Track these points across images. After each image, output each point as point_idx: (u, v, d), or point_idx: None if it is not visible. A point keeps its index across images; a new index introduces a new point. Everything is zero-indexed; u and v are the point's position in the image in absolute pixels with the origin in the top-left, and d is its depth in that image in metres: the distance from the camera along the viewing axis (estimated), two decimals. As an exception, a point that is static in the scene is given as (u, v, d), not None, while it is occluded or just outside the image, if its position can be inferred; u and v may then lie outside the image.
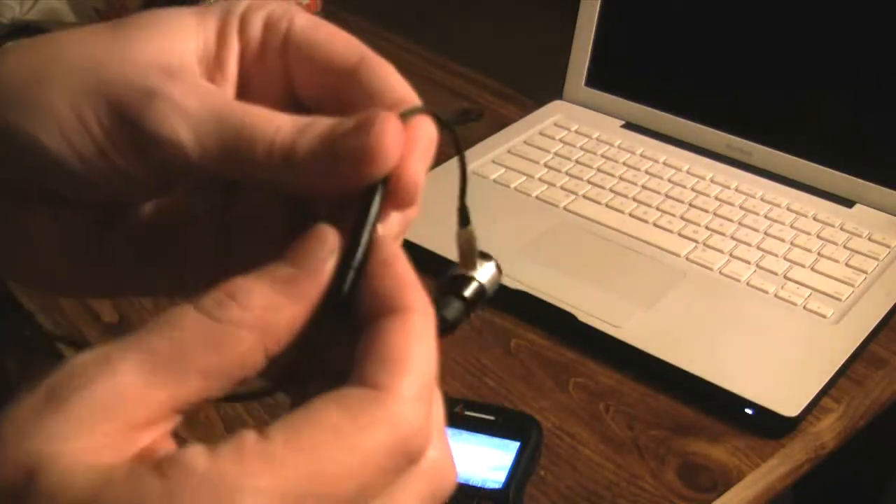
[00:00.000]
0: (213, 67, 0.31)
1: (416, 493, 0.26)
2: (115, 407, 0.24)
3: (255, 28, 0.31)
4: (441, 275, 0.32)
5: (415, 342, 0.25)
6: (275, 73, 0.32)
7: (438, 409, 0.27)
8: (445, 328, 0.28)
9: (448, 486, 0.27)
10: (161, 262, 0.33)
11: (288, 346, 0.26)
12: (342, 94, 0.31)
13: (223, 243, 0.33)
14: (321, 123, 0.28)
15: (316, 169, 0.28)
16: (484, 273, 0.32)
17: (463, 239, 0.31)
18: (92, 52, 0.29)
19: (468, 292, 0.31)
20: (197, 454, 0.23)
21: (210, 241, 0.33)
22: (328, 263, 0.26)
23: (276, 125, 0.28)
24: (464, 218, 0.31)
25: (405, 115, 0.28)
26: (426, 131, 0.29)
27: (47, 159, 0.29)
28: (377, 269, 0.27)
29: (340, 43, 0.31)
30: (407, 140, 0.27)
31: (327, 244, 0.27)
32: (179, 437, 0.25)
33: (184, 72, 0.29)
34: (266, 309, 0.25)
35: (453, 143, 0.31)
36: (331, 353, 0.27)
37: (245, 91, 0.32)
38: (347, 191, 0.28)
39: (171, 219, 0.33)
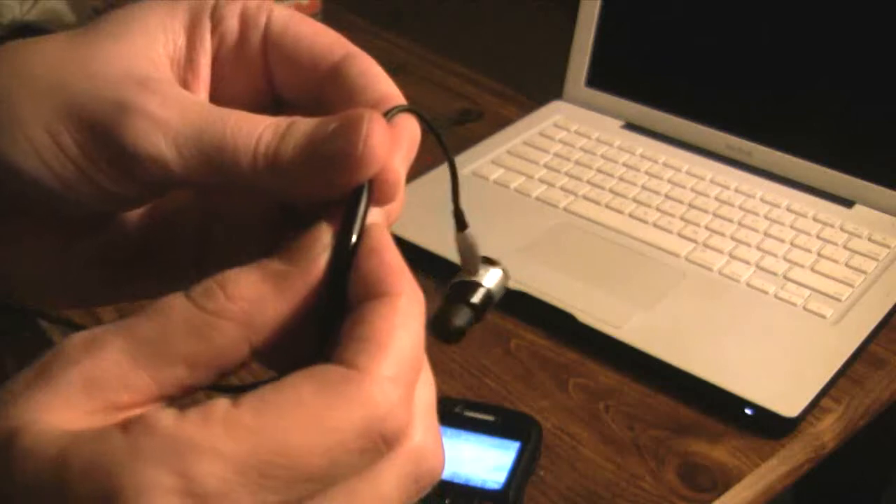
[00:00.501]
0: (186, 67, 0.30)
1: (397, 475, 0.26)
2: (96, 385, 0.24)
3: (231, 23, 0.31)
4: (447, 281, 0.32)
5: (398, 325, 0.25)
6: (252, 68, 0.31)
7: (427, 394, 0.27)
8: (455, 336, 0.28)
9: (433, 471, 0.27)
10: (144, 267, 0.33)
11: (275, 339, 0.26)
12: (324, 89, 0.30)
13: (205, 243, 0.33)
14: (303, 125, 0.27)
15: (302, 174, 0.27)
16: (490, 278, 0.31)
17: (462, 243, 0.31)
18: (60, 68, 0.28)
19: (476, 299, 0.31)
20: (165, 415, 0.23)
21: (191, 242, 0.33)
22: (319, 260, 0.26)
23: (258, 132, 0.27)
24: (460, 221, 0.31)
25: (390, 114, 0.28)
26: (409, 130, 0.29)
27: (24, 180, 0.28)
28: (366, 255, 0.27)
29: (323, 38, 0.31)
30: (391, 139, 0.27)
31: (320, 241, 0.27)
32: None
33: (158, 81, 0.28)
34: (252, 302, 0.25)
35: (439, 144, 0.30)
36: (322, 344, 0.27)
37: (219, 88, 0.31)
38: (334, 193, 0.27)
39: (151, 223, 0.33)
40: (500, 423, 0.69)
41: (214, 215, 0.33)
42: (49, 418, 0.23)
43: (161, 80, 0.28)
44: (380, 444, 0.24)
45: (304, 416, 0.23)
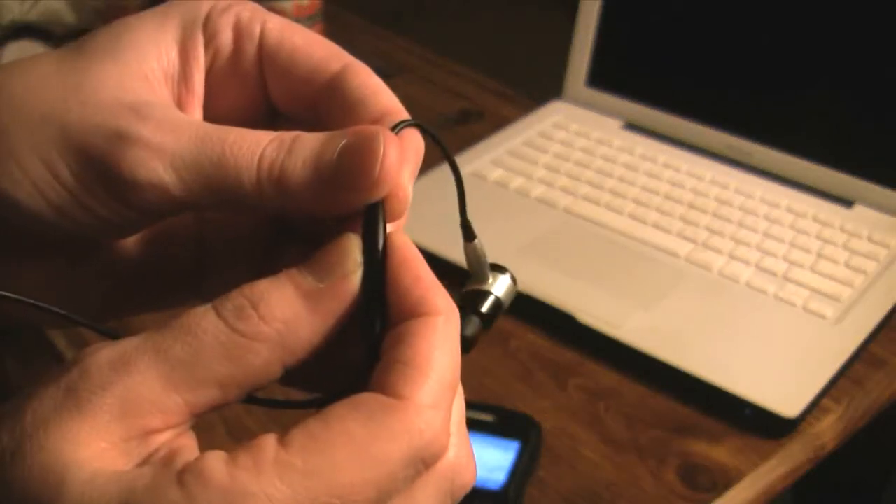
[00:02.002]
0: (180, 83, 0.30)
1: (435, 491, 0.26)
2: (130, 412, 0.24)
3: (225, 36, 0.30)
4: (455, 291, 0.32)
5: (436, 347, 0.25)
6: (247, 81, 0.30)
7: (460, 407, 0.28)
8: (466, 346, 0.28)
9: (467, 482, 0.27)
10: (144, 284, 0.33)
11: (308, 358, 0.26)
12: (322, 102, 0.30)
13: (202, 256, 0.32)
14: (309, 141, 0.27)
15: (312, 192, 0.26)
16: (499, 286, 0.31)
17: (470, 253, 0.31)
18: (52, 95, 0.27)
19: (485, 308, 0.31)
20: (216, 463, 0.23)
21: (189, 256, 0.32)
22: (353, 278, 0.26)
23: (261, 149, 0.26)
24: (468, 232, 0.31)
25: (397, 129, 0.27)
26: (415, 144, 0.28)
27: (21, 211, 0.27)
28: (398, 270, 0.27)
29: (319, 50, 0.30)
30: (402, 156, 0.27)
31: (352, 258, 0.26)
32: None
33: (151, 105, 0.27)
34: (287, 323, 0.25)
35: (447, 158, 0.30)
36: (368, 363, 0.27)
37: (214, 103, 0.31)
38: (342, 211, 0.27)
39: (149, 242, 0.32)
40: (500, 424, 0.69)
41: (210, 229, 0.32)
42: (90, 455, 0.23)
43: (154, 103, 0.28)
44: (421, 468, 0.25)
45: (352, 452, 0.23)
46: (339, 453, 0.23)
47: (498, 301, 0.31)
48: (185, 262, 0.32)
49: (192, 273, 0.33)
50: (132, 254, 0.32)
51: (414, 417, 0.24)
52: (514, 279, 0.32)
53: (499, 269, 0.32)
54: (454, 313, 0.27)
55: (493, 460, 0.67)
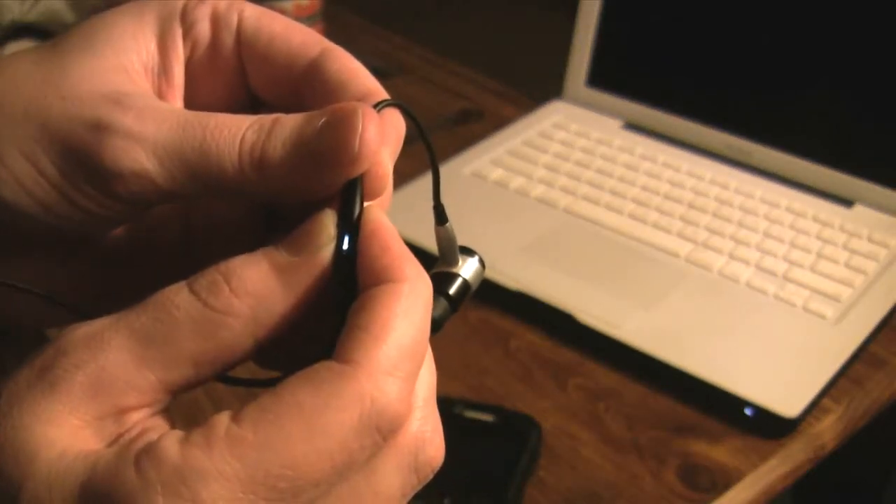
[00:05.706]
0: (159, 75, 0.30)
1: (396, 465, 0.26)
2: (103, 390, 0.24)
3: (203, 26, 0.30)
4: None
5: (398, 314, 0.25)
6: (227, 70, 0.30)
7: (428, 380, 0.27)
8: (433, 327, 0.28)
9: (432, 461, 0.27)
10: (133, 276, 0.32)
11: (280, 332, 0.26)
12: (303, 87, 0.30)
13: (191, 244, 0.32)
14: (289, 122, 0.27)
15: (292, 173, 0.26)
16: (467, 269, 0.31)
17: (441, 236, 0.31)
18: (33, 91, 0.27)
19: (453, 290, 0.31)
20: (170, 444, 0.23)
21: (177, 245, 0.32)
22: (325, 251, 0.26)
23: (241, 133, 0.27)
24: (440, 216, 0.31)
25: (378, 108, 0.27)
26: (395, 124, 0.28)
27: (7, 208, 0.27)
28: (367, 241, 0.26)
29: (297, 35, 0.30)
30: (382, 133, 0.27)
31: (325, 232, 0.26)
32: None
33: (131, 96, 0.27)
34: (259, 297, 0.25)
35: (423, 140, 0.30)
36: (335, 335, 0.26)
37: (195, 93, 0.31)
38: (323, 191, 0.27)
39: (136, 235, 0.32)
40: (500, 423, 0.69)
41: (197, 217, 0.32)
42: (61, 434, 0.23)
43: (134, 93, 0.28)
44: (377, 438, 0.24)
45: (302, 423, 0.23)
46: (290, 424, 0.23)
47: (466, 284, 0.31)
48: (174, 252, 0.32)
49: (182, 262, 0.32)
50: (121, 247, 0.32)
51: (365, 383, 0.24)
52: (482, 263, 0.32)
53: (468, 251, 0.32)
54: (423, 283, 0.26)
55: (492, 460, 0.67)
